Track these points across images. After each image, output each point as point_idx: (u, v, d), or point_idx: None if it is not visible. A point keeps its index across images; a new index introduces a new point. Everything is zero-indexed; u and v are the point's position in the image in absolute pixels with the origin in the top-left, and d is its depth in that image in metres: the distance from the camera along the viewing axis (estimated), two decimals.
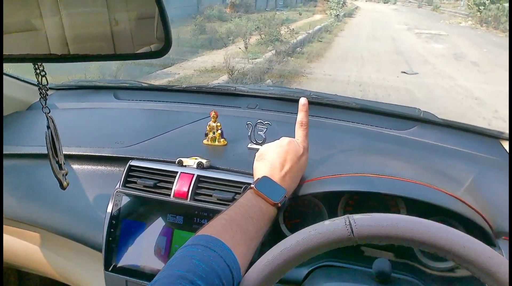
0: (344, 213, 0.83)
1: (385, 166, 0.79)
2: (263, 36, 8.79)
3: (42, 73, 0.55)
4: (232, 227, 0.59)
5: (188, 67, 6.43)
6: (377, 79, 5.96)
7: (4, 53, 0.55)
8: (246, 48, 7.92)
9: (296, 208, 0.85)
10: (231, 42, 8.64)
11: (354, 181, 0.76)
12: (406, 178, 0.74)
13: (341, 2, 16.50)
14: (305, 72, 6.50)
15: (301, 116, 0.80)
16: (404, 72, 6.79)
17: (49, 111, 0.65)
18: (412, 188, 0.71)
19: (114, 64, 5.31)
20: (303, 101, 0.80)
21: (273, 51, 7.63)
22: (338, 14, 14.76)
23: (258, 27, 9.22)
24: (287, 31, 8.95)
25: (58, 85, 1.39)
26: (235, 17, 11.22)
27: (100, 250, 0.84)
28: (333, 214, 0.83)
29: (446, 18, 17.82)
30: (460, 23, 16.30)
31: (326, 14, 15.43)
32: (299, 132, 0.79)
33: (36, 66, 0.54)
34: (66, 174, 0.73)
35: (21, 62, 0.55)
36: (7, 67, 1.25)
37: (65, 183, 0.72)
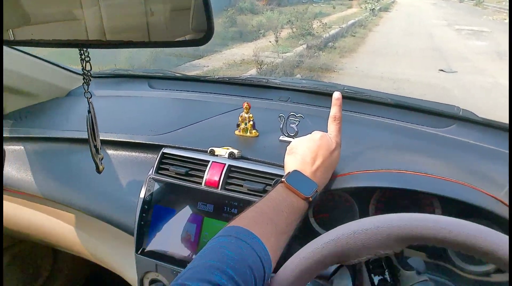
0: (376, 210, 0.81)
1: (420, 164, 0.77)
2: (294, 30, 8.62)
3: (87, 59, 0.57)
4: (264, 220, 0.58)
5: (217, 60, 6.40)
6: (412, 76, 5.73)
7: (48, 39, 0.57)
8: (276, 41, 7.81)
9: (326, 202, 0.84)
10: (262, 35, 8.55)
11: (388, 177, 0.74)
12: (443, 176, 0.72)
13: None
14: (337, 67, 6.37)
15: (334, 110, 0.78)
16: (442, 70, 6.46)
17: (91, 96, 0.67)
18: (449, 187, 0.69)
19: (143, 56, 5.43)
20: (337, 95, 0.79)
21: (304, 46, 7.49)
22: (373, 8, 14.17)
23: (289, 21, 9.06)
24: (320, 25, 8.73)
25: (95, 73, 1.43)
26: (267, 10, 11.14)
27: (131, 234, 0.87)
28: (364, 210, 0.81)
29: (490, 14, 16.86)
30: (505, 19, 15.46)
31: (361, 8, 14.86)
32: (332, 126, 0.78)
33: (81, 52, 0.56)
34: (102, 159, 0.75)
35: (64, 47, 0.57)
36: (50, 55, 1.29)
37: (101, 167, 0.74)
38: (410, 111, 1.06)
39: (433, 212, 0.76)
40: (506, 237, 0.45)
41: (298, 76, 5.61)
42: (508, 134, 0.96)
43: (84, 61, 0.57)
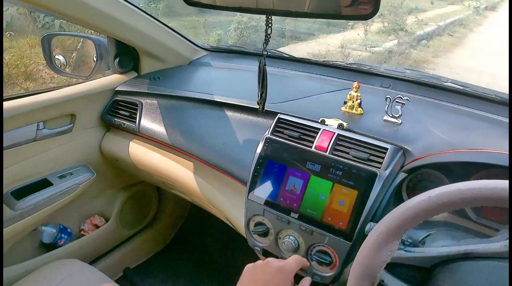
0: None
1: None
2: (386, 24, 8.22)
3: (270, 25, 0.71)
4: None
5: (302, 50, 6.35)
6: None
7: (221, 5, 0.73)
8: (365, 35, 7.58)
9: (420, 181, 0.92)
10: (350, 27, 8.24)
11: (484, 155, 0.79)
12: None
13: None
14: (428, 67, 6.02)
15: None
16: None
17: (267, 53, 0.84)
18: None
19: (230, 37, 5.71)
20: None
21: (395, 41, 7.17)
22: (478, 6, 12.81)
23: (382, 14, 8.50)
24: (414, 21, 8.24)
25: (212, 47, 1.62)
26: None
27: (243, 183, 1.02)
28: None
29: None
30: None
31: (464, 5, 13.36)
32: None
33: (266, 18, 0.70)
34: (263, 105, 0.92)
35: (237, 11, 0.72)
36: (179, 29, 1.50)
37: (259, 109, 0.92)
38: None
39: None
40: None
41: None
42: None
43: (268, 26, 0.71)
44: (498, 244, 0.62)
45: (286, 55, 1.51)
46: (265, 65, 0.87)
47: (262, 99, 0.90)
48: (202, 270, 1.77)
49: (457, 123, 1.00)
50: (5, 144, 1.16)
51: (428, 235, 0.79)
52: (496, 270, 0.60)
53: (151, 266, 1.76)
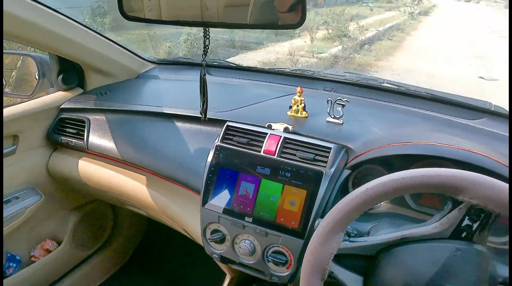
0: None
1: (450, 141, 0.89)
2: (330, 31, 8.56)
3: (207, 36, 0.74)
4: None
5: (252, 59, 6.47)
6: (450, 83, 5.66)
7: (160, 19, 0.75)
8: (312, 42, 7.86)
9: (365, 176, 0.98)
10: (297, 35, 8.50)
11: (417, 147, 0.87)
12: (471, 150, 0.84)
13: None
14: (371, 71, 6.34)
15: None
16: (482, 77, 6.26)
17: (206, 64, 0.86)
18: (475, 158, 0.81)
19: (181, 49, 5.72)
20: None
21: (340, 47, 7.48)
22: (412, 12, 13.68)
23: (325, 22, 9.04)
24: (356, 27, 8.67)
25: (160, 60, 1.63)
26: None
27: (197, 192, 1.04)
28: None
29: None
30: None
31: (400, 11, 14.25)
32: None
33: (204, 30, 0.72)
34: (205, 116, 0.94)
35: (175, 25, 0.75)
36: (126, 43, 1.49)
37: (202, 118, 0.95)
38: (445, 105, 1.18)
39: None
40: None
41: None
42: None
43: (205, 38, 0.73)
44: (430, 227, 0.68)
45: (233, 65, 1.54)
46: (205, 75, 0.90)
47: (204, 108, 0.93)
48: (164, 284, 1.74)
49: (393, 119, 1.08)
50: None
51: (373, 226, 0.85)
52: (429, 250, 0.66)
53: None
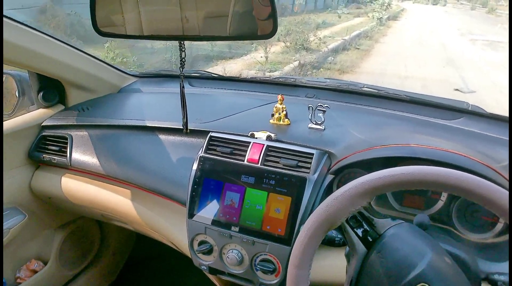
0: None
1: (429, 142, 0.91)
2: (288, 44, 7.66)
3: (183, 49, 0.74)
4: None
5: None
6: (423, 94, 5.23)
7: (134, 34, 0.76)
8: (266, 58, 6.80)
9: (348, 180, 0.99)
10: (254, 49, 7.42)
11: (397, 149, 0.89)
12: (447, 150, 0.86)
13: (386, 4, 14.66)
14: None
15: None
16: (458, 90, 5.78)
17: (184, 77, 0.88)
18: (451, 156, 0.83)
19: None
20: None
21: (296, 63, 6.69)
22: (381, 17, 13.19)
23: (288, 32, 8.18)
24: (313, 39, 7.87)
25: (141, 73, 1.63)
26: None
27: (182, 204, 1.03)
28: None
29: (504, 22, 15.87)
30: None
31: (368, 17, 13.65)
32: None
33: (179, 43, 0.73)
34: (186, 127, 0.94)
35: (149, 39, 0.75)
36: (105, 56, 1.48)
37: (185, 130, 0.97)
38: (423, 106, 1.20)
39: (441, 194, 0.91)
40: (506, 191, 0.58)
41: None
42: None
43: (181, 51, 0.74)
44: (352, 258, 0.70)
45: (214, 75, 1.55)
46: (183, 87, 0.90)
47: (185, 121, 0.94)
48: None
49: (373, 122, 1.10)
50: None
51: None
52: (370, 268, 0.67)
53: None
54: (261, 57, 7.00)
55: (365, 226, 0.68)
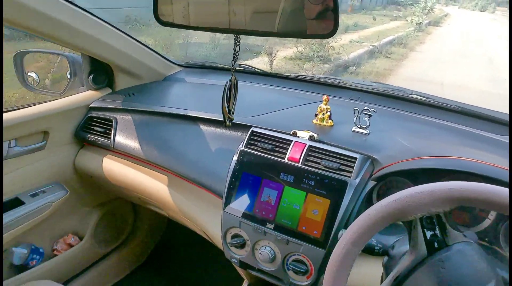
0: None
1: (480, 156, 0.87)
2: (301, 48, 6.58)
3: (238, 43, 0.75)
4: None
5: None
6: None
7: (194, 25, 0.77)
8: (270, 65, 5.95)
9: (390, 188, 0.96)
10: (263, 52, 6.53)
11: (446, 161, 0.85)
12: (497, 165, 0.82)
13: (428, 8, 13.11)
14: None
15: None
16: None
17: (234, 70, 0.86)
18: (503, 173, 0.79)
19: None
20: None
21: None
22: (420, 22, 11.95)
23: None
24: (330, 46, 6.67)
25: (186, 63, 1.65)
26: None
27: (218, 195, 1.04)
28: None
29: None
30: None
31: (406, 21, 12.34)
32: None
33: (235, 37, 0.73)
34: (231, 121, 0.93)
35: (208, 31, 0.76)
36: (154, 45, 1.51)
37: (227, 124, 0.93)
38: (474, 119, 1.15)
39: None
40: None
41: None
42: None
43: (236, 44, 0.74)
44: (406, 259, 0.66)
45: (259, 70, 1.55)
46: (236, 80, 0.90)
47: (231, 113, 0.93)
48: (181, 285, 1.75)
49: (420, 131, 1.06)
50: None
51: (398, 240, 0.83)
52: (423, 275, 0.64)
53: (129, 284, 1.73)
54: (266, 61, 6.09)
55: (437, 231, 0.65)
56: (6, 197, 1.24)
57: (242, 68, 1.58)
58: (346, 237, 0.66)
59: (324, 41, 6.29)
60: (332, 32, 0.62)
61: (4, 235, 1.19)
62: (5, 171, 1.22)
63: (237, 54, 0.78)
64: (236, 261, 1.00)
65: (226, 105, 0.91)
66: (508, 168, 0.82)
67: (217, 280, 1.74)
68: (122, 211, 1.71)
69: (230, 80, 0.88)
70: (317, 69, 5.98)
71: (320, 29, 0.64)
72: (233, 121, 1.11)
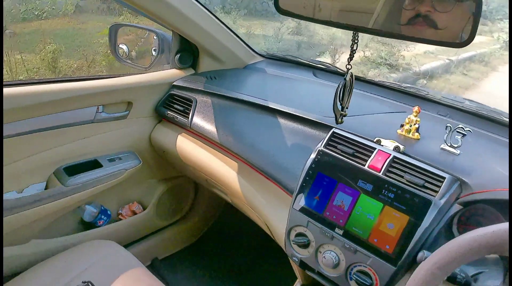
0: None
1: None
2: (367, 53, 6.03)
3: (356, 41, 0.73)
4: None
5: None
6: None
7: (312, 17, 0.76)
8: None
9: (473, 215, 0.89)
10: (321, 54, 6.32)
11: None
12: None
13: None
14: None
15: None
16: None
17: (351, 67, 0.83)
18: None
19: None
20: None
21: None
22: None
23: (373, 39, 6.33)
24: (399, 55, 6.13)
25: (268, 55, 1.65)
26: None
27: (288, 191, 1.03)
28: None
29: None
30: None
31: (492, 37, 11.55)
32: None
33: (353, 34, 0.71)
34: (344, 116, 0.90)
35: (324, 24, 0.74)
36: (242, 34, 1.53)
37: (339, 120, 0.90)
38: None
39: None
40: None
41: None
42: None
43: (354, 42, 0.72)
44: None
45: (341, 70, 1.51)
46: (348, 79, 0.86)
47: (343, 112, 0.90)
48: (228, 271, 1.78)
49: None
50: (67, 122, 1.22)
51: (482, 272, 0.76)
52: None
53: (179, 260, 1.79)
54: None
55: None
56: (87, 158, 1.32)
57: (323, 66, 1.55)
58: (433, 260, 0.62)
59: (395, 49, 6.15)
60: (466, 42, 0.57)
61: (81, 193, 1.27)
62: (90, 134, 1.31)
63: (354, 51, 0.75)
64: (297, 260, 0.99)
65: (339, 103, 0.88)
66: None
67: (265, 273, 1.75)
68: (184, 189, 1.77)
69: (345, 78, 0.84)
70: (383, 78, 5.60)
71: (451, 38, 0.60)
72: (314, 120, 1.10)
